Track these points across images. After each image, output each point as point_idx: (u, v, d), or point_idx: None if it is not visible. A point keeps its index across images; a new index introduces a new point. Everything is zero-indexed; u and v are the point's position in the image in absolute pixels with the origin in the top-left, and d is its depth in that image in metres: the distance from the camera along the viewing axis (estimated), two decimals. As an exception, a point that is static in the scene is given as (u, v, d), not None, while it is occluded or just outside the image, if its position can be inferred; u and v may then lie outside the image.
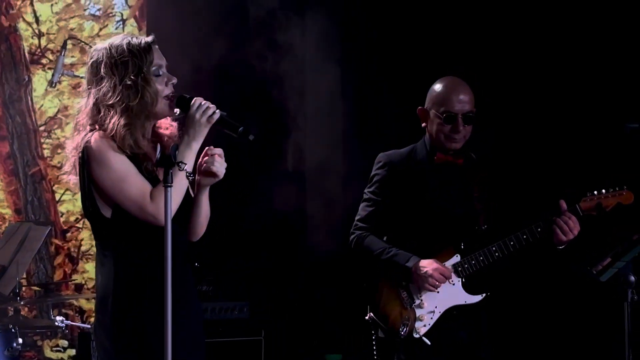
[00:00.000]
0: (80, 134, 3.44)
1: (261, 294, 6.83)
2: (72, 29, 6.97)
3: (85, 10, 7.02)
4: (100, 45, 3.52)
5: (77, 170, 3.44)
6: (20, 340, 5.57)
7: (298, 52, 7.37)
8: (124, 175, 3.37)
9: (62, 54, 6.93)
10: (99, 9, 7.06)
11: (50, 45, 6.94)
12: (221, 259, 7.03)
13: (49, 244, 6.80)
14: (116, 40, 3.50)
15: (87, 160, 3.39)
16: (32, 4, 6.89)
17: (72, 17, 6.98)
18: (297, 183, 7.44)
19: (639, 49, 5.84)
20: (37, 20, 6.90)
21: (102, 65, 3.44)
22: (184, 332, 3.38)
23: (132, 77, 3.40)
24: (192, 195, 3.59)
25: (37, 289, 6.56)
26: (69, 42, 6.96)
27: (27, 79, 6.85)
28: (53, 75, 6.91)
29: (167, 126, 3.58)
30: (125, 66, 3.42)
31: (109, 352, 3.39)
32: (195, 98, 3.44)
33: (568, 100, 6.12)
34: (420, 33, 6.76)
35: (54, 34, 6.94)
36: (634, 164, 5.20)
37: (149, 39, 3.50)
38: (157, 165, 3.31)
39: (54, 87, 6.90)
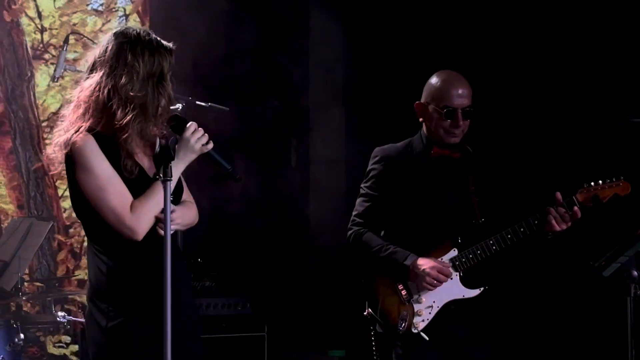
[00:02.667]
0: (74, 125, 3.34)
1: (264, 290, 6.82)
2: (74, 24, 6.96)
3: (87, 5, 7.01)
4: (122, 30, 3.35)
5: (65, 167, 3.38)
6: (22, 336, 5.59)
7: (302, 48, 7.36)
8: (106, 183, 3.30)
9: (65, 49, 6.91)
10: (101, 4, 7.05)
11: (53, 41, 6.93)
12: (223, 254, 7.03)
13: (52, 239, 6.80)
14: (139, 32, 3.34)
15: (72, 162, 3.33)
16: (34, -1, 6.90)
17: (74, 12, 6.98)
18: (300, 179, 7.43)
19: (634, 44, 5.82)
20: (39, 15, 6.89)
21: (130, 52, 3.29)
22: (179, 326, 3.34)
23: (158, 78, 3.31)
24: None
25: (40, 284, 6.57)
26: (71, 37, 6.95)
27: (29, 74, 6.84)
28: (55, 70, 6.90)
29: None
30: (152, 63, 3.29)
31: (101, 346, 3.36)
32: (191, 122, 3.37)
33: (564, 92, 6.09)
34: (419, 29, 6.75)
35: (56, 29, 6.93)
36: (633, 156, 5.18)
37: (170, 44, 3.39)
38: (155, 158, 3.29)
39: (57, 82, 6.89)
